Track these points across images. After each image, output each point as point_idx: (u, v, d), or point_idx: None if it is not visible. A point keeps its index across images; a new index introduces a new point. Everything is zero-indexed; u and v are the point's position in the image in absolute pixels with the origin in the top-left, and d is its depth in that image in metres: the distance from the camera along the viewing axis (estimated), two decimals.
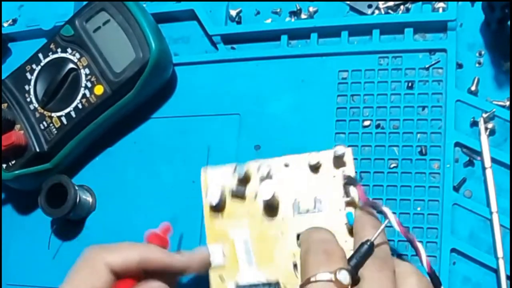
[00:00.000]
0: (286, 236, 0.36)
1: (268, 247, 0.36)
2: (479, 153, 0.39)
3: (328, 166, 0.37)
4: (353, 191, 0.35)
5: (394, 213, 0.33)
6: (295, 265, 0.35)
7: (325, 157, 0.37)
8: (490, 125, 0.39)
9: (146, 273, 0.34)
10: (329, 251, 0.30)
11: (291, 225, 0.36)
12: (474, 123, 0.39)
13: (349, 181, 0.35)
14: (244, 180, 0.37)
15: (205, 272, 0.36)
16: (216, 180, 0.37)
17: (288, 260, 0.35)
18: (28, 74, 0.46)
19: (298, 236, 0.35)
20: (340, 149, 0.35)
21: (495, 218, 0.37)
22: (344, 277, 0.29)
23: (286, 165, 0.37)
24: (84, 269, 0.33)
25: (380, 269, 0.30)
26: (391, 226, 0.32)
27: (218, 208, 0.37)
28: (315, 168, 0.37)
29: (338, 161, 0.36)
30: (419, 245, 0.33)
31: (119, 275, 0.33)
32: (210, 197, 0.36)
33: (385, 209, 0.32)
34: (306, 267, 0.30)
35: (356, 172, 0.39)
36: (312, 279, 0.29)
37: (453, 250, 0.37)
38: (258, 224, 0.37)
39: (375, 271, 0.30)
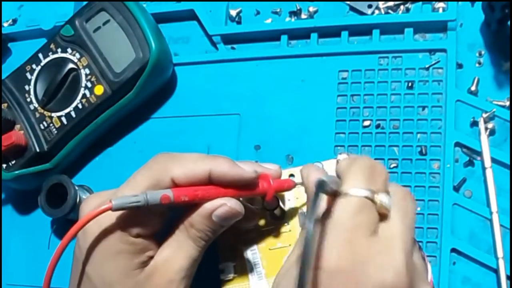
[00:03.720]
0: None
1: (276, 260, 0.36)
2: (479, 153, 0.39)
3: (332, 174, 0.37)
4: None
5: None
6: None
7: (329, 166, 0.37)
8: (490, 125, 0.39)
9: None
10: (375, 169, 0.29)
11: (298, 236, 0.36)
12: (474, 123, 0.39)
13: None
14: None
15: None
16: None
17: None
18: (28, 74, 0.46)
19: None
20: (343, 157, 0.35)
21: (495, 218, 0.37)
22: (386, 199, 0.28)
23: (291, 176, 0.38)
24: (148, 178, 0.32)
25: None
26: None
27: None
28: None
29: None
30: (428, 264, 0.33)
31: (183, 185, 0.32)
32: None
33: None
34: (344, 181, 0.28)
35: None
36: (348, 191, 0.28)
37: (453, 250, 0.37)
38: (266, 236, 0.37)
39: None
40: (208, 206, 0.32)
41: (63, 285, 0.36)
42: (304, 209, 0.37)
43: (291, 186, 0.36)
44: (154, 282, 0.32)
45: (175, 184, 0.32)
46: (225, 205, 0.32)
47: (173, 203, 0.31)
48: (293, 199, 0.37)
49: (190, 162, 0.33)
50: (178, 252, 0.33)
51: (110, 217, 0.31)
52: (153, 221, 0.33)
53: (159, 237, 0.34)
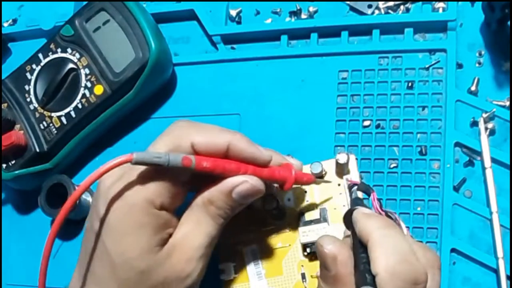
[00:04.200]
0: (293, 248, 0.36)
1: (276, 260, 0.36)
2: (479, 153, 0.39)
3: (332, 174, 0.37)
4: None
5: (407, 227, 0.33)
6: (303, 277, 0.35)
7: (328, 166, 0.37)
8: (490, 125, 0.39)
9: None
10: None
11: (298, 236, 0.36)
12: (474, 123, 0.39)
13: (362, 188, 0.35)
14: None
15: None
16: None
17: (296, 271, 0.36)
18: (28, 74, 0.46)
19: (304, 246, 0.35)
20: (342, 157, 0.35)
21: (495, 218, 0.37)
22: None
23: None
24: (168, 143, 0.32)
25: None
26: None
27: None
28: (319, 178, 0.37)
29: (342, 169, 0.36)
30: None
31: (201, 154, 0.32)
32: None
33: (400, 221, 0.32)
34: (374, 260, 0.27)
35: (361, 177, 0.39)
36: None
37: (453, 250, 0.37)
38: (266, 237, 0.37)
39: None
40: (229, 182, 0.32)
41: (62, 285, 0.36)
42: (303, 209, 0.37)
43: (310, 180, 0.35)
44: (173, 260, 0.32)
45: (194, 151, 0.32)
46: (247, 182, 0.32)
47: (194, 169, 0.31)
48: (293, 199, 0.37)
49: (210, 131, 0.32)
50: (197, 228, 0.32)
51: (134, 189, 0.31)
52: (176, 191, 0.32)
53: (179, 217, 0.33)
